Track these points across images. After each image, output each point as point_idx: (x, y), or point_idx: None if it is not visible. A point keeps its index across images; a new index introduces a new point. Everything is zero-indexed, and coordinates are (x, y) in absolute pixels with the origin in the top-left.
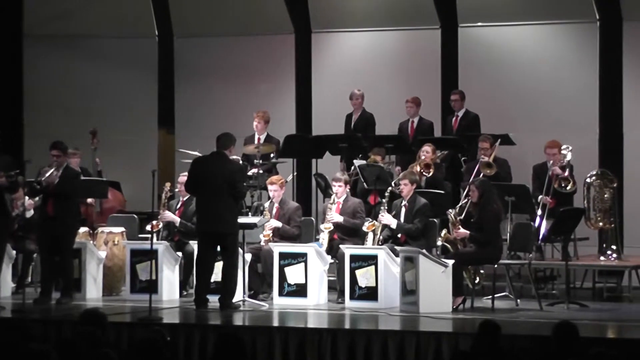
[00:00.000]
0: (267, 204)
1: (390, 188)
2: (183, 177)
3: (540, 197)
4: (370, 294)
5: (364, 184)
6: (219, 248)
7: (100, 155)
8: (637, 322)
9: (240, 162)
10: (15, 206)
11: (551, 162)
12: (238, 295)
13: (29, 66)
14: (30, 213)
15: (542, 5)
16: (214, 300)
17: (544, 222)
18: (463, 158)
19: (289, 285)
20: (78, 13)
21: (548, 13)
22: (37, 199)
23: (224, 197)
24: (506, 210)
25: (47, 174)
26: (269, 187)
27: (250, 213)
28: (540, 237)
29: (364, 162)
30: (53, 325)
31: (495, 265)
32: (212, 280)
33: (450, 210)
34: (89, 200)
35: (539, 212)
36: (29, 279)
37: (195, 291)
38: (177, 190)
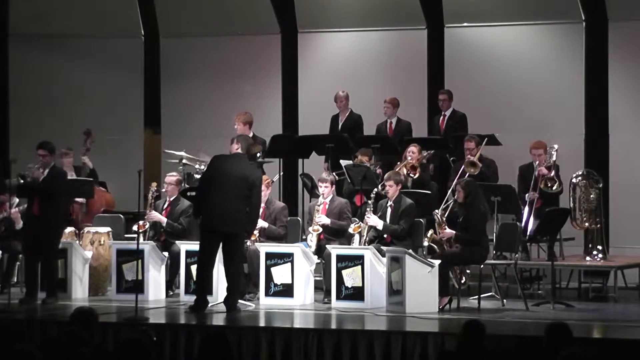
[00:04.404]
0: None
1: (375, 189)
2: (170, 177)
3: (527, 195)
4: (357, 294)
5: (351, 183)
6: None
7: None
8: (623, 323)
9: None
10: (4, 208)
11: (537, 162)
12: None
13: (14, 66)
14: (19, 225)
15: (528, 5)
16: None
17: (531, 219)
18: (452, 158)
19: (276, 285)
20: (64, 13)
21: (534, 13)
22: (22, 207)
23: (239, 198)
24: (492, 211)
25: (33, 170)
26: None
27: None
28: (528, 232)
29: (350, 162)
30: (38, 325)
31: (481, 266)
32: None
33: (436, 210)
34: (79, 200)
35: (526, 208)
36: (15, 279)
37: (198, 294)
38: (163, 190)
